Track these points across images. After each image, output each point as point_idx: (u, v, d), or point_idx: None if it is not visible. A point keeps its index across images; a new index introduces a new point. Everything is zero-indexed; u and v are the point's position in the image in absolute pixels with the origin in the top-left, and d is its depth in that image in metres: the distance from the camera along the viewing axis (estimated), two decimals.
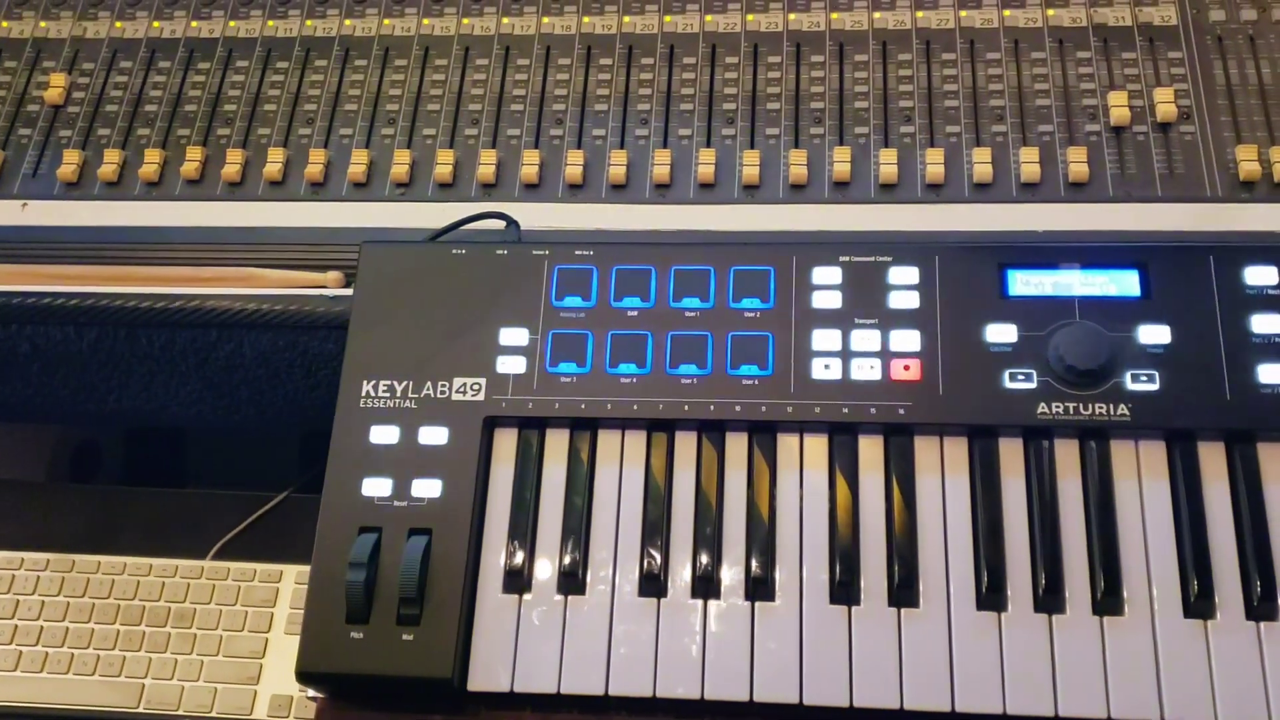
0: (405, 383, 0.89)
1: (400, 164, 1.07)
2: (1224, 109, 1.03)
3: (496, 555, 0.85)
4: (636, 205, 1.04)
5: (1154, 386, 0.83)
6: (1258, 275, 0.86)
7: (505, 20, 1.15)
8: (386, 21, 1.16)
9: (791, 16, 1.12)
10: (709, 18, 1.13)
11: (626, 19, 1.14)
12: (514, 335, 0.90)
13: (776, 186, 1.04)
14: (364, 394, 0.88)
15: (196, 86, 1.13)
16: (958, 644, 0.80)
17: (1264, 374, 0.83)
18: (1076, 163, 1.00)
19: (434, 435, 0.87)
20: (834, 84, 1.08)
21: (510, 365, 0.89)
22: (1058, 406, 0.84)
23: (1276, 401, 0.82)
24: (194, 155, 1.08)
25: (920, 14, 1.11)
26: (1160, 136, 1.02)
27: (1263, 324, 0.84)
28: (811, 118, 1.07)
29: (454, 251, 0.93)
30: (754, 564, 0.83)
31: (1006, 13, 1.10)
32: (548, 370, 0.88)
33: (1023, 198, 1.01)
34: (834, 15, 1.12)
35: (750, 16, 1.13)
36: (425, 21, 1.16)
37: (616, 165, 1.05)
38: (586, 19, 1.14)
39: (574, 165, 1.05)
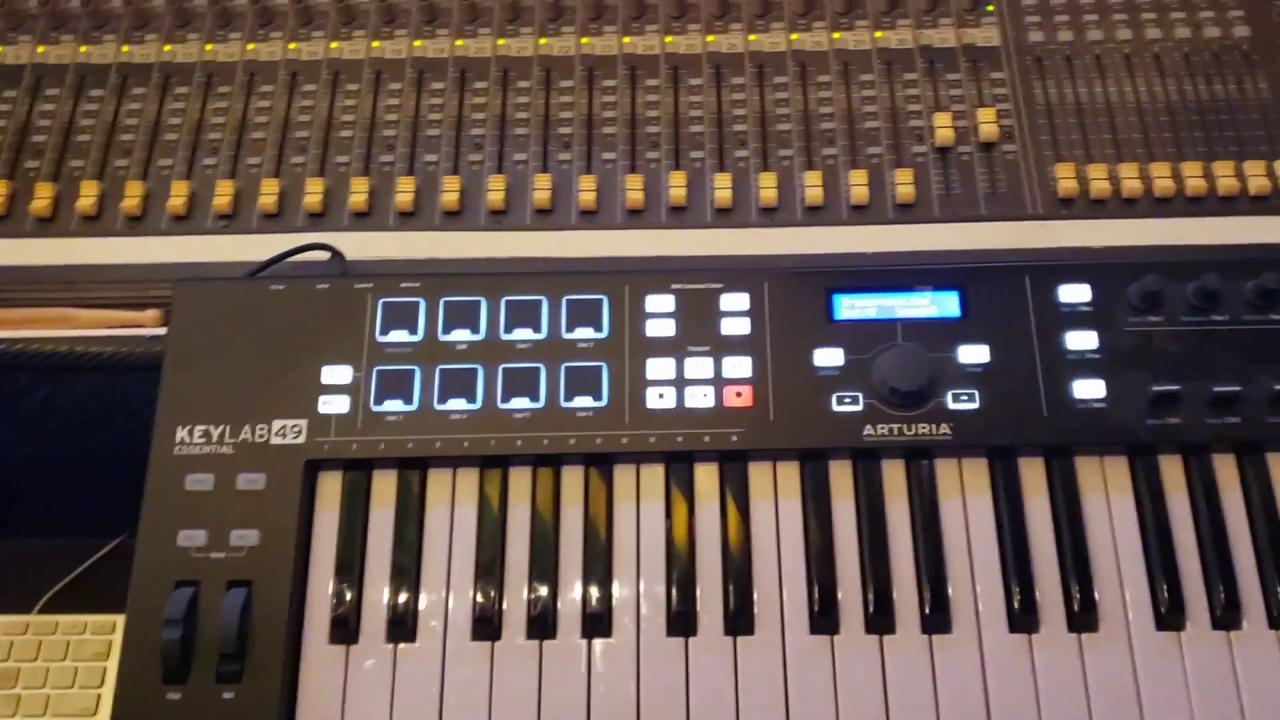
0: (222, 427, 0.86)
1: (222, 195, 1.03)
2: (1044, 128, 1.06)
3: (322, 605, 0.83)
4: (471, 232, 1.02)
5: (974, 405, 0.85)
6: (1071, 293, 0.88)
7: (334, 45, 1.12)
8: (209, 46, 1.12)
9: (626, 40, 1.12)
10: (543, 40, 1.12)
11: (459, 42, 1.12)
12: (337, 373, 0.87)
13: (614, 211, 1.03)
14: (178, 440, 0.84)
15: (2, 116, 1.08)
16: (792, 670, 0.80)
17: (1079, 389, 0.85)
18: (903, 184, 1.02)
19: (252, 482, 0.84)
20: (669, 109, 1.08)
21: (333, 405, 0.86)
22: (883, 428, 0.85)
23: (1092, 416, 0.85)
24: None
25: (753, 38, 1.12)
26: (984, 156, 1.05)
27: (1076, 341, 0.87)
28: (648, 142, 1.07)
29: (272, 287, 0.90)
30: (592, 599, 0.82)
31: (836, 35, 1.12)
32: (372, 409, 0.86)
33: (853, 220, 1.02)
34: (667, 39, 1.12)
35: (585, 40, 1.12)
36: (250, 47, 1.12)
37: (449, 191, 1.03)
38: (418, 43, 1.12)
39: (404, 192, 1.03)
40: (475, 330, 0.89)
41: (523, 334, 0.88)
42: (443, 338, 0.88)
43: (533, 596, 0.82)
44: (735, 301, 0.89)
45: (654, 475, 0.86)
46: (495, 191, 1.03)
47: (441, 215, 1.03)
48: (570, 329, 0.89)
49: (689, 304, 0.89)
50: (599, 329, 0.88)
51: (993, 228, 1.01)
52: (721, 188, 1.03)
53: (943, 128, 1.05)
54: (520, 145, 1.06)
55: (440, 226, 1.03)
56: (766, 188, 1.03)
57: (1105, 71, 1.08)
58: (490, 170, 1.05)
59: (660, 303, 0.89)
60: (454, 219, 1.03)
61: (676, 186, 1.03)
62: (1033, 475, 0.85)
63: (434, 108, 1.09)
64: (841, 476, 0.86)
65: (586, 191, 1.03)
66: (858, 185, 1.02)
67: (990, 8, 1.13)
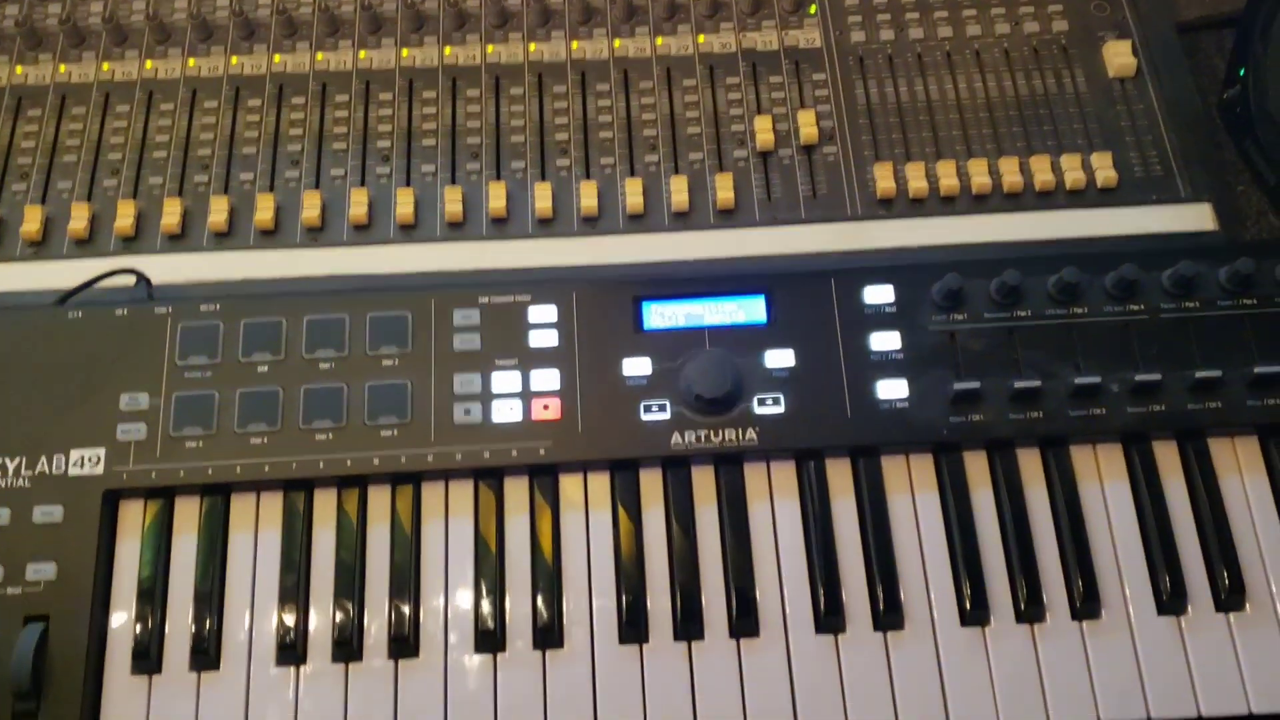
0: (18, 460, 0.83)
1: (31, 221, 1.00)
2: (864, 128, 1.06)
3: (124, 636, 0.80)
4: (287, 250, 1.00)
5: (780, 409, 0.85)
6: (875, 295, 0.89)
7: (150, 65, 1.09)
8: (19, 69, 1.09)
9: (448, 51, 1.10)
10: (362, 54, 1.10)
11: (278, 58, 1.10)
12: (135, 400, 0.85)
13: (433, 225, 1.02)
14: None
15: None
16: (601, 681, 0.79)
17: (882, 390, 0.86)
18: (723, 189, 1.02)
19: (49, 514, 0.82)
20: (490, 119, 1.07)
21: (132, 432, 0.84)
22: (690, 435, 0.85)
23: (895, 416, 0.85)
24: None
25: (576, 45, 1.11)
26: (804, 159, 1.05)
27: (880, 341, 0.87)
28: (469, 153, 1.05)
29: (70, 315, 0.88)
30: (394, 621, 0.80)
31: (659, 40, 1.11)
32: (172, 435, 0.84)
33: (675, 227, 1.02)
34: (489, 49, 1.11)
35: (405, 52, 1.10)
36: (62, 68, 1.09)
37: (264, 210, 1.01)
38: (235, 59, 1.10)
39: (219, 213, 1.00)
40: (276, 352, 0.87)
41: (325, 353, 0.87)
42: (243, 360, 0.86)
43: (340, 619, 0.80)
44: (543, 313, 0.88)
45: (463, 491, 0.85)
46: (311, 209, 1.01)
47: (257, 234, 1.01)
48: (374, 347, 0.87)
49: (496, 317, 0.88)
50: (403, 345, 0.87)
51: (812, 230, 1.01)
52: (542, 197, 1.02)
53: (763, 131, 1.05)
54: (338, 160, 1.05)
55: (256, 245, 1.01)
56: (588, 196, 1.02)
57: (926, 70, 1.09)
58: (307, 186, 1.03)
59: (467, 317, 0.88)
60: (269, 238, 1.01)
61: (496, 198, 1.01)
62: (840, 477, 0.85)
63: (250, 125, 1.06)
64: (652, 485, 0.85)
65: (404, 205, 1.01)
66: (678, 192, 1.02)
67: (813, 9, 1.13)
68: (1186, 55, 1.12)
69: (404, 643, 0.80)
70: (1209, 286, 0.87)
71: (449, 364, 0.86)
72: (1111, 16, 1.12)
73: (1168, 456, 0.85)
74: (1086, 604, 0.80)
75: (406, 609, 0.81)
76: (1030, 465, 0.85)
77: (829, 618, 0.81)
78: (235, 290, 0.95)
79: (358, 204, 1.01)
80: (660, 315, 0.89)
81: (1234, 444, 0.85)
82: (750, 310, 0.89)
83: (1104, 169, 1.02)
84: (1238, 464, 0.85)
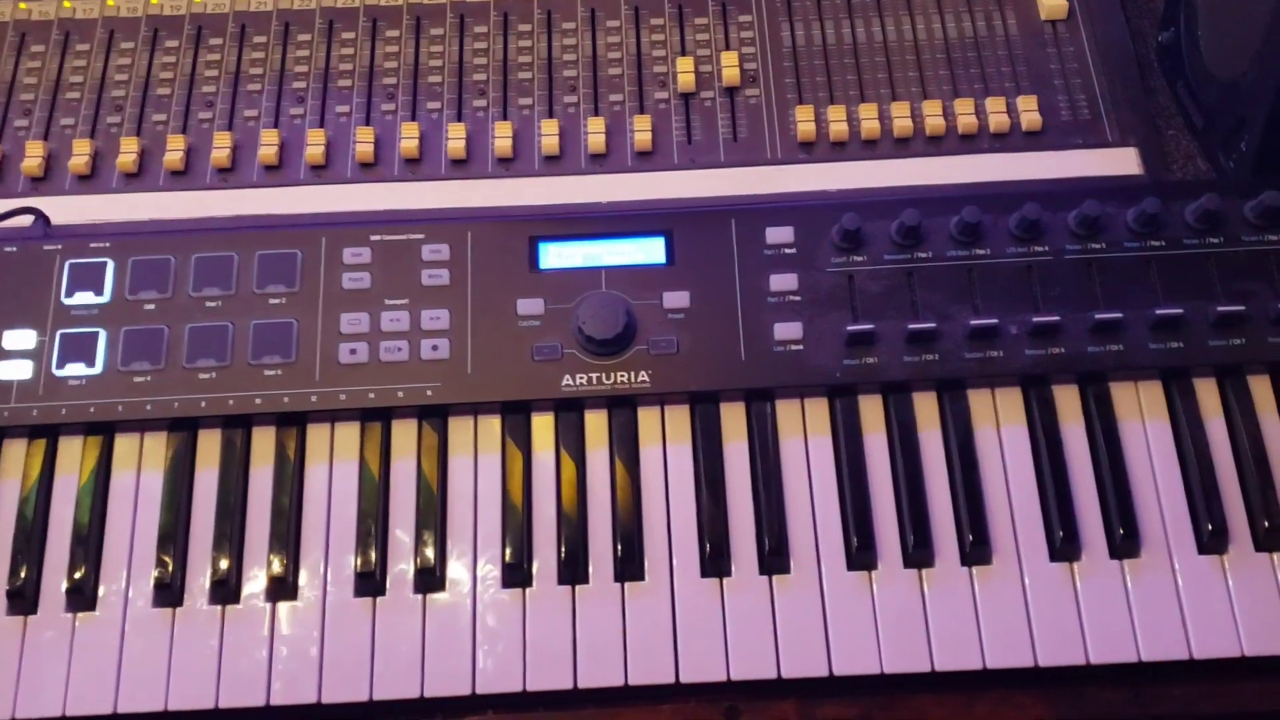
0: None
1: None
2: (789, 71, 1.04)
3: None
4: (197, 191, 0.99)
5: (674, 352, 0.83)
6: (776, 235, 0.87)
7: (67, 4, 1.08)
8: None
9: None
10: None
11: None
12: (19, 338, 0.84)
13: (345, 166, 1.00)
14: None
15: None
16: (481, 625, 0.78)
17: (779, 332, 0.84)
18: (641, 131, 1.00)
19: None
20: (409, 58, 1.05)
21: (14, 371, 0.83)
22: (581, 378, 0.83)
23: (790, 359, 0.83)
24: None
25: None
26: (726, 101, 1.03)
27: (779, 283, 0.85)
28: (384, 94, 1.04)
29: None
30: (275, 565, 0.80)
31: None
32: (55, 373, 0.83)
33: (590, 169, 1.00)
34: None
35: None
36: None
37: (174, 151, 0.99)
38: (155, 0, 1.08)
39: (128, 153, 0.99)
40: (164, 290, 0.86)
41: (211, 292, 0.85)
42: (129, 298, 0.85)
43: (219, 561, 0.80)
44: (436, 252, 0.87)
45: (349, 433, 0.84)
46: (221, 149, 0.99)
47: (166, 175, 1.00)
48: (261, 285, 0.86)
49: (388, 256, 0.87)
50: (291, 284, 0.86)
51: (730, 174, 0.99)
52: (456, 138, 1.00)
53: (685, 72, 1.03)
54: (252, 101, 1.03)
55: (165, 187, 0.99)
56: (501, 137, 1.00)
57: (854, 12, 1.06)
58: (220, 127, 1.02)
59: (357, 255, 0.87)
60: (179, 179, 1.00)
61: (409, 139, 1.00)
62: (734, 420, 0.84)
63: (166, 66, 1.05)
64: (544, 428, 0.84)
65: (315, 146, 0.99)
66: (595, 133, 1.00)
67: None
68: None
69: (282, 585, 0.79)
70: (1116, 228, 0.85)
71: (337, 303, 0.85)
72: None
73: (1068, 400, 0.83)
74: (976, 549, 0.79)
75: (286, 553, 0.80)
76: (927, 409, 0.83)
77: (713, 561, 0.79)
78: (132, 230, 0.94)
79: (268, 145, 1.00)
80: (557, 255, 0.87)
81: (1137, 388, 0.83)
82: (649, 251, 0.87)
83: (1029, 112, 0.99)
84: (1140, 408, 0.83)
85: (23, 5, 1.08)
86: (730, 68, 1.03)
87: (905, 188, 0.97)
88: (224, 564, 0.80)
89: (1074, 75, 1.03)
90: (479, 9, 1.08)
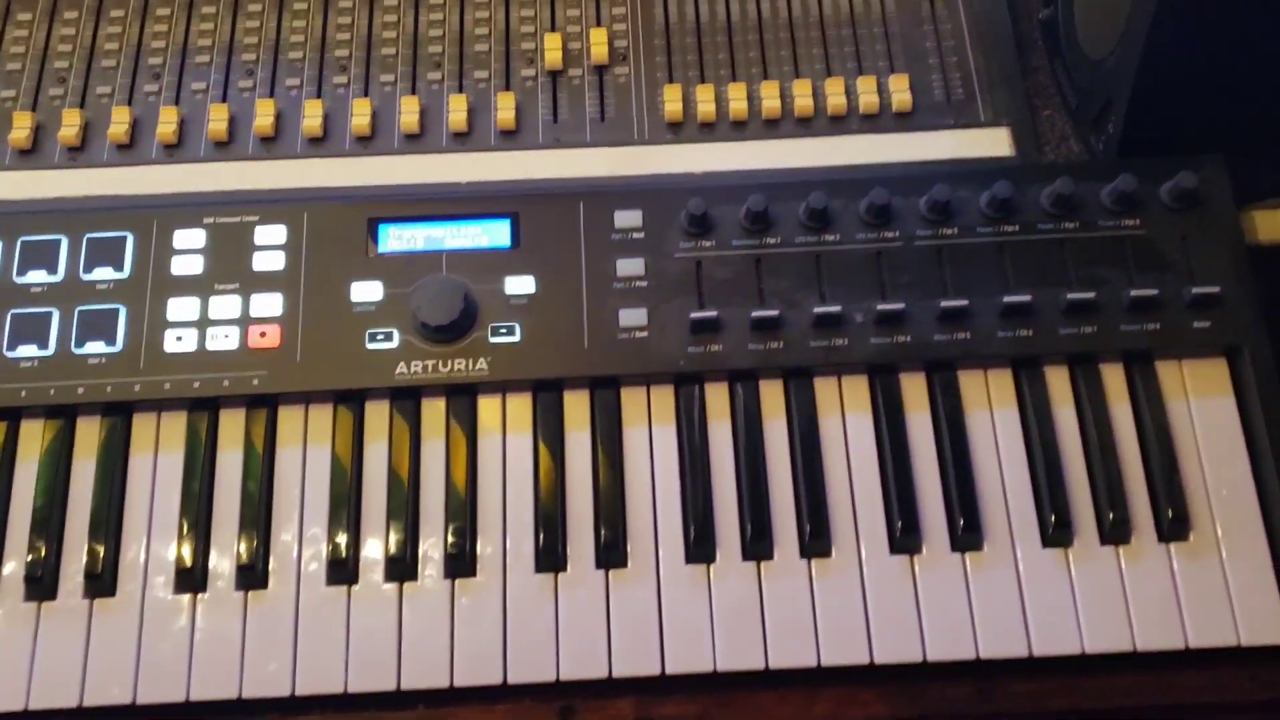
0: None
1: None
2: (659, 49, 1.01)
3: None
4: (45, 170, 0.95)
5: (515, 339, 0.81)
6: (624, 219, 0.84)
7: None
8: None
9: None
10: None
11: None
12: None
13: (199, 145, 0.97)
14: None
15: None
16: (304, 619, 0.76)
17: (624, 318, 0.81)
18: (505, 110, 0.97)
19: None
20: (270, 33, 1.02)
21: None
22: (417, 365, 0.80)
23: (634, 346, 0.81)
24: None
25: None
26: (595, 79, 1.00)
27: (626, 268, 0.83)
28: (243, 69, 1.00)
29: None
30: (88, 559, 0.77)
31: None
32: None
33: (452, 148, 0.97)
34: None
35: None
36: None
37: (20, 129, 0.96)
38: None
39: (21, 129, 0.95)
40: None
41: (36, 276, 0.82)
42: None
43: (30, 557, 0.77)
44: (271, 234, 0.84)
45: (176, 423, 0.81)
46: (70, 127, 0.96)
47: (62, 152, 0.96)
48: (89, 269, 0.83)
49: (221, 239, 0.84)
50: (120, 268, 0.82)
51: (595, 154, 0.96)
52: (313, 116, 0.97)
53: (552, 50, 1.00)
54: (107, 77, 0.99)
55: (61, 164, 0.96)
56: (360, 115, 0.97)
57: None
58: (71, 104, 0.98)
59: (190, 238, 0.84)
60: (26, 157, 0.96)
61: (264, 116, 0.96)
62: (577, 409, 0.81)
63: (65, 39, 1.01)
64: (378, 417, 0.81)
65: (167, 124, 0.96)
66: (457, 111, 0.97)
67: None
68: None
69: (98, 580, 0.76)
70: (969, 213, 0.82)
71: (166, 288, 0.82)
72: None
73: (915, 389, 0.81)
74: (814, 541, 0.77)
75: (102, 547, 0.77)
76: (773, 397, 0.81)
77: (546, 556, 0.77)
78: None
79: (118, 123, 0.96)
80: (397, 238, 0.84)
81: (986, 376, 0.81)
82: (494, 234, 0.84)
83: (900, 92, 0.97)
84: (988, 397, 0.81)
85: None
86: (599, 45, 1.00)
87: (770, 170, 0.95)
88: (35, 559, 0.76)
89: (950, 53, 1.00)
90: None
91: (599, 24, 1.02)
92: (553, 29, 1.02)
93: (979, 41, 1.00)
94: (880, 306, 0.79)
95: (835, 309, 0.79)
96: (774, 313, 0.79)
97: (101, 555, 0.77)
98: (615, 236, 0.83)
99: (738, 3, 1.03)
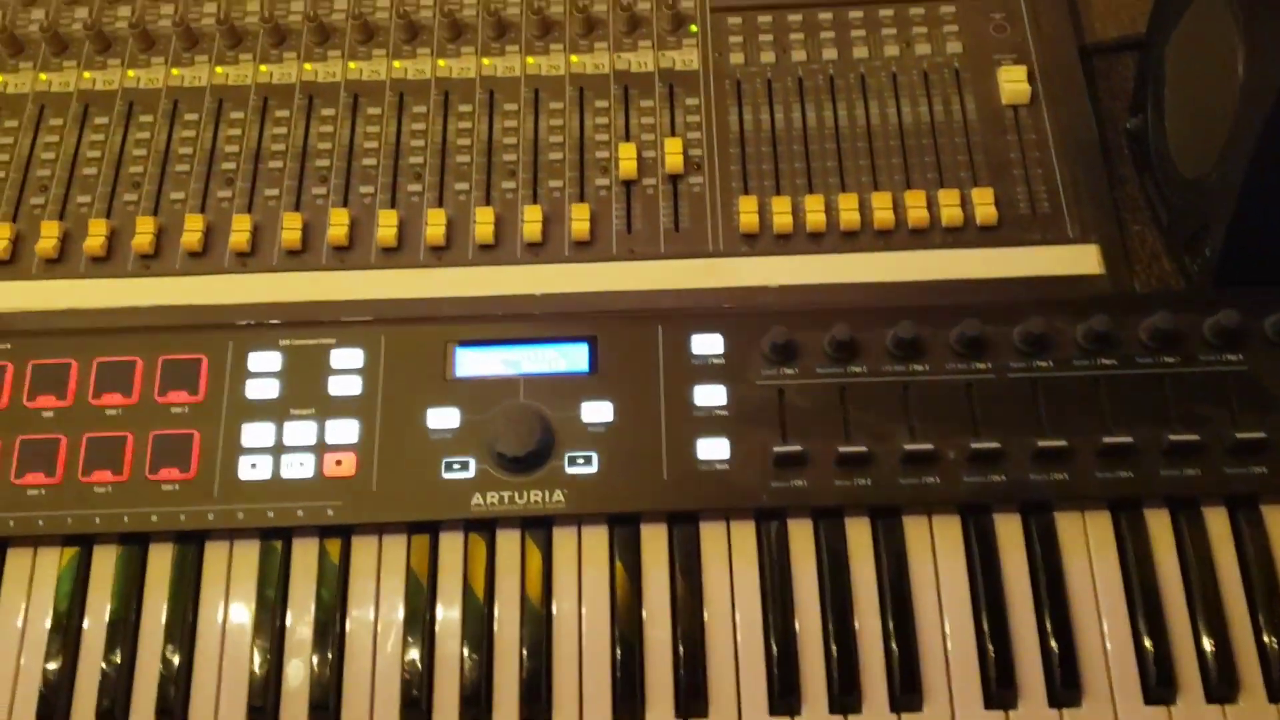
0: None
1: None
2: (735, 158, 0.99)
3: None
4: (118, 279, 0.95)
5: (592, 469, 0.79)
6: (703, 344, 0.82)
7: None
8: None
9: (308, 67, 1.05)
10: (220, 70, 1.05)
11: (131, 73, 1.05)
12: None
13: (271, 253, 0.96)
14: None
15: None
16: None
17: (703, 449, 0.79)
18: (579, 220, 0.96)
19: None
20: (344, 139, 1.01)
21: None
22: (493, 496, 0.79)
23: (715, 479, 0.78)
24: None
25: (442, 63, 1.05)
26: (669, 189, 0.98)
27: (705, 396, 0.80)
28: (317, 176, 1.00)
29: None
30: (169, 695, 0.75)
31: (530, 60, 1.05)
32: None
33: (527, 259, 0.96)
34: (352, 65, 1.05)
35: (264, 68, 1.05)
36: None
37: (95, 236, 0.96)
38: (88, 75, 1.05)
39: (48, 238, 0.96)
40: (62, 396, 0.82)
41: (112, 399, 0.81)
42: (27, 405, 0.81)
43: (102, 682, 0.75)
44: (348, 358, 0.83)
45: (248, 553, 0.79)
46: (144, 234, 0.96)
47: (88, 262, 0.96)
48: (163, 393, 0.82)
49: (298, 362, 0.83)
50: (195, 392, 0.82)
51: (670, 266, 0.95)
52: (387, 225, 0.96)
53: (627, 159, 0.98)
54: (180, 183, 0.99)
55: (86, 274, 0.96)
56: (434, 225, 0.96)
57: (805, 96, 1.02)
58: (145, 211, 0.98)
59: (265, 360, 0.83)
60: (100, 265, 0.96)
61: (338, 225, 0.96)
62: (655, 543, 0.79)
63: (95, 144, 1.01)
64: (452, 550, 0.79)
65: (240, 232, 0.96)
66: (531, 222, 0.96)
67: (693, 28, 1.06)
68: (1099, 79, 1.05)
69: (168, 715, 0.75)
70: (1064, 344, 0.80)
71: (241, 413, 0.81)
72: (1011, 38, 1.04)
73: (1010, 530, 0.78)
74: (906, 695, 0.74)
75: (173, 680, 0.75)
76: (860, 537, 0.78)
77: (625, 703, 0.74)
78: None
79: (191, 230, 0.96)
80: (474, 362, 0.83)
81: (1084, 518, 0.78)
82: (572, 358, 0.82)
83: (984, 205, 0.95)
84: (1086, 541, 0.77)
85: None
86: (674, 154, 0.99)
87: (848, 284, 0.92)
88: (107, 685, 0.75)
89: (1035, 165, 0.98)
90: (419, 88, 1.04)
91: (673, 133, 1.01)
92: (627, 138, 1.01)
93: (1065, 152, 0.98)
94: (974, 445, 0.76)
95: (926, 446, 0.76)
96: (862, 449, 0.77)
97: (173, 688, 0.75)
98: (695, 361, 0.81)
99: (814, 111, 1.01)
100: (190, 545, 0.79)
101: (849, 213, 0.95)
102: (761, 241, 0.96)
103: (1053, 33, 1.04)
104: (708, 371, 0.81)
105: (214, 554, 0.80)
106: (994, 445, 0.76)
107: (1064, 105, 1.00)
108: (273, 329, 0.83)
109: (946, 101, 1.01)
